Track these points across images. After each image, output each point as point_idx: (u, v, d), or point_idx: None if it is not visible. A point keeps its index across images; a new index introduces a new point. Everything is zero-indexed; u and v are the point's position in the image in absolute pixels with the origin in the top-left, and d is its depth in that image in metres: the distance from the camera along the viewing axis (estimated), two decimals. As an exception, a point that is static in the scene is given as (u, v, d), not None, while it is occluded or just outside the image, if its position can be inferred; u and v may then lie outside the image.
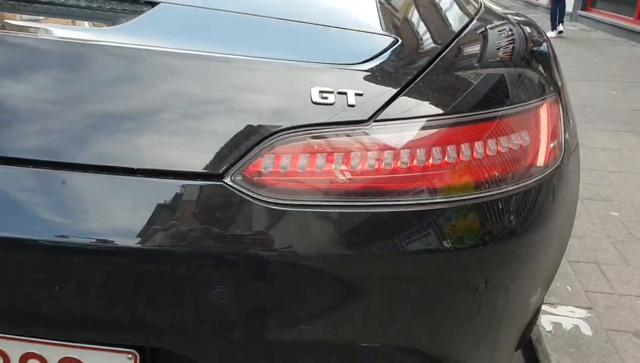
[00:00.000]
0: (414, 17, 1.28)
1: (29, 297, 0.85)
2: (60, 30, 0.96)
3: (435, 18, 1.30)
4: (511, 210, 1.00)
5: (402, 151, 0.91)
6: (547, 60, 1.34)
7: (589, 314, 2.05)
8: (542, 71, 1.27)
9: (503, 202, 0.99)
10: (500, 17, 1.44)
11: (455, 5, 1.41)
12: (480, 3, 1.53)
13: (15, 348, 0.93)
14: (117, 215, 0.81)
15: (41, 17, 1.02)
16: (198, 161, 0.83)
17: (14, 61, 0.87)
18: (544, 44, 1.44)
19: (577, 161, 1.38)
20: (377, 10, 1.23)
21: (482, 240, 0.97)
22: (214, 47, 0.93)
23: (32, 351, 0.93)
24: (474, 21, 1.28)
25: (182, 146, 0.84)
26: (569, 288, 2.23)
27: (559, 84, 1.33)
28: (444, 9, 1.39)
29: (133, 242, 0.81)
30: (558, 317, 2.03)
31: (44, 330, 0.89)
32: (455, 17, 1.33)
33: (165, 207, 0.82)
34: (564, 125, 1.23)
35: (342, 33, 1.05)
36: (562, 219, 1.23)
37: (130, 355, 0.92)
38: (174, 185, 0.83)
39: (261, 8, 1.08)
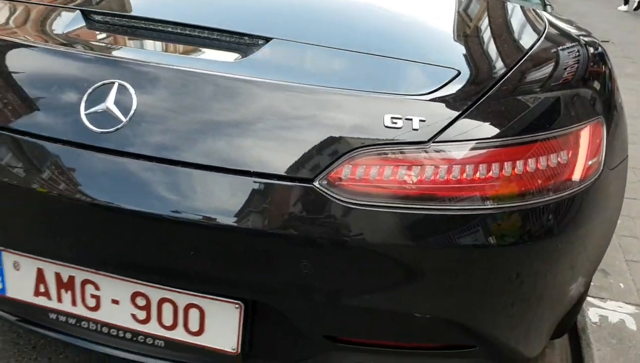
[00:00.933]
0: (475, 46, 1.50)
1: (173, 258, 1.17)
2: (199, 63, 1.26)
3: (495, 46, 1.51)
4: (547, 215, 1.23)
5: (454, 166, 1.16)
6: (601, 82, 1.52)
7: (637, 310, 2.21)
8: (594, 94, 1.46)
9: (540, 209, 1.22)
10: (560, 39, 1.62)
11: (517, 30, 1.61)
12: (545, 24, 1.71)
13: (155, 293, 1.27)
14: (238, 205, 1.12)
15: (181, 47, 1.33)
16: (295, 168, 1.12)
17: (172, 89, 1.18)
18: (602, 65, 1.62)
19: (621, 174, 1.56)
20: (448, 41, 1.46)
21: (521, 239, 1.21)
22: (313, 79, 1.21)
23: (167, 297, 1.27)
24: (533, 48, 1.48)
25: (284, 156, 1.13)
26: (622, 285, 2.38)
27: (611, 104, 1.51)
28: (505, 35, 1.60)
29: (245, 225, 1.12)
30: (606, 310, 2.21)
31: (178, 282, 1.22)
32: (514, 44, 1.54)
33: (270, 200, 1.12)
34: (607, 143, 1.42)
35: (414, 66, 1.30)
36: (600, 222, 1.43)
37: (237, 305, 1.24)
38: (277, 185, 1.12)
39: (351, 42, 1.35)
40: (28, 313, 1.39)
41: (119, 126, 1.16)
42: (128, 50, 1.27)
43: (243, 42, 1.31)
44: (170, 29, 1.36)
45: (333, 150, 1.14)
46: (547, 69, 1.41)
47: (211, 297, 1.24)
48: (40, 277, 1.32)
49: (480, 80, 1.28)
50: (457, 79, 1.26)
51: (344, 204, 1.12)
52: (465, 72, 1.29)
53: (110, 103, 1.17)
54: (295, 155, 1.13)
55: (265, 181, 1.13)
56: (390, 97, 1.19)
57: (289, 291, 1.17)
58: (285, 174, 1.13)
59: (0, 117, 1.22)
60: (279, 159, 1.13)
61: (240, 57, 1.27)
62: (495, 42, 1.53)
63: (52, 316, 1.36)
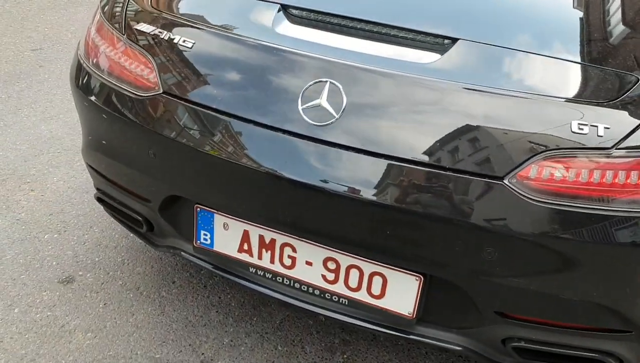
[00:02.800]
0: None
1: (370, 235, 1.37)
2: (397, 64, 1.40)
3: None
4: None
5: (632, 172, 1.26)
6: None
7: None
8: None
9: None
10: None
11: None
12: None
13: (345, 260, 1.48)
14: (432, 196, 1.29)
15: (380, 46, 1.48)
16: (487, 166, 1.27)
17: (376, 89, 1.35)
18: None
19: None
20: (621, 44, 1.52)
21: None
22: (503, 82, 1.34)
23: (355, 264, 1.47)
24: None
25: (477, 155, 1.28)
26: None
27: None
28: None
29: (440, 213, 1.29)
30: None
31: (369, 254, 1.43)
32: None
33: (464, 193, 1.28)
34: None
35: (596, 71, 1.39)
36: None
37: (417, 277, 1.43)
38: (470, 180, 1.28)
39: (533, 43, 1.45)
40: (228, 265, 1.65)
41: (331, 121, 1.35)
42: (335, 50, 1.43)
43: (434, 43, 1.44)
44: (363, 26, 1.51)
45: (522, 151, 1.27)
46: None
47: (395, 268, 1.44)
48: (246, 237, 1.57)
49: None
50: (637, 85, 1.34)
51: (530, 201, 1.26)
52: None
53: (323, 100, 1.36)
54: (487, 154, 1.28)
55: (460, 176, 1.28)
56: (576, 105, 1.29)
57: (473, 272, 1.34)
58: (478, 171, 1.28)
59: (231, 105, 1.43)
60: (472, 157, 1.28)
61: (434, 59, 1.40)
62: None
63: (252, 270, 1.62)
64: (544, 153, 1.27)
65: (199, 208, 1.59)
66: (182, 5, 1.66)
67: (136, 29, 1.60)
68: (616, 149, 1.26)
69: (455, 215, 1.29)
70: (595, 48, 1.50)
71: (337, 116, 1.34)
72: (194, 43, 1.51)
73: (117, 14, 1.69)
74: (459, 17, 1.53)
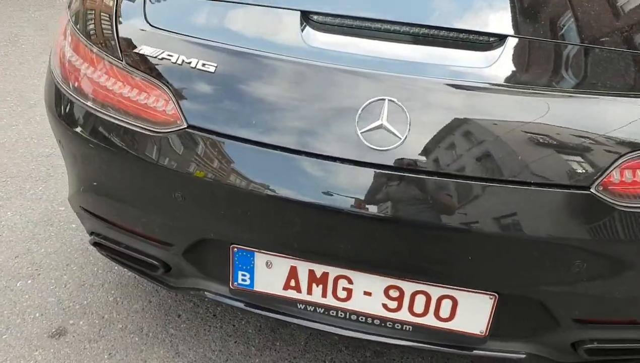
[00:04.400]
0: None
1: (442, 260, 1.27)
2: (449, 71, 1.28)
3: None
4: None
5: None
6: None
7: None
8: None
9: None
10: None
11: None
12: None
13: (409, 287, 1.37)
14: (514, 214, 1.20)
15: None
16: (571, 176, 1.19)
17: (436, 102, 1.23)
18: None
19: None
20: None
21: None
22: (567, 83, 1.26)
23: (421, 289, 1.37)
24: None
25: (558, 166, 1.20)
26: None
27: None
28: None
29: (524, 232, 1.20)
30: None
31: (439, 279, 1.33)
32: None
33: (550, 209, 1.20)
34: None
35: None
36: None
37: (492, 296, 1.35)
38: (557, 194, 1.20)
39: (584, 35, 1.37)
40: (271, 303, 1.50)
41: (397, 143, 1.21)
42: (383, 61, 1.29)
43: (483, 42, 1.33)
44: (396, 28, 1.37)
45: (604, 156, 1.20)
46: None
47: (467, 289, 1.35)
48: (293, 274, 1.42)
49: None
50: None
51: (618, 208, 1.20)
52: None
53: (384, 120, 1.22)
54: (569, 163, 1.20)
55: (545, 190, 1.20)
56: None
57: (557, 285, 1.28)
58: (563, 183, 1.20)
59: (274, 135, 1.27)
60: (554, 168, 1.20)
61: (488, 63, 1.28)
62: None
63: (301, 306, 1.48)
64: (627, 155, 1.20)
65: (235, 249, 1.42)
66: (190, 22, 1.44)
67: (138, 53, 1.37)
68: None
69: (544, 233, 1.21)
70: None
71: (402, 137, 1.21)
72: (216, 66, 1.31)
73: (104, 33, 1.45)
74: (501, 11, 1.42)
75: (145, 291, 2.13)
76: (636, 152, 1.20)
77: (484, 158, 1.21)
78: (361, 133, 1.22)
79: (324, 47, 1.32)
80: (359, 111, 1.23)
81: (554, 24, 1.42)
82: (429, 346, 1.47)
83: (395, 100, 1.23)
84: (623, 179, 1.21)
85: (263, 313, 1.52)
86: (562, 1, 1.45)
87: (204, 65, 1.31)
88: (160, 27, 1.40)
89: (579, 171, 1.20)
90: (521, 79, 1.27)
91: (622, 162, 1.20)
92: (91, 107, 1.42)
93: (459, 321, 1.40)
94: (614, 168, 1.20)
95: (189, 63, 1.33)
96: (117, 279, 2.17)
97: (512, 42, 1.31)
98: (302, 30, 1.34)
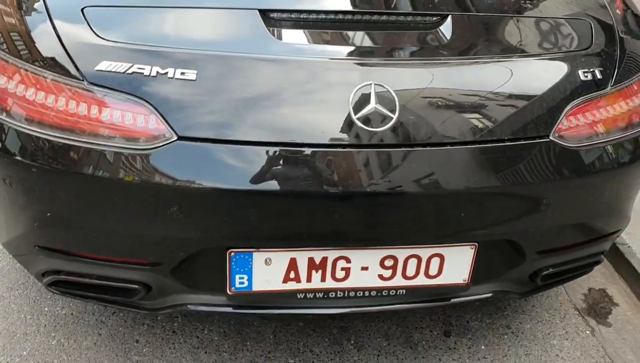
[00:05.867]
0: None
1: (439, 222, 1.41)
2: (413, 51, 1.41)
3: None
4: None
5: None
6: None
7: None
8: None
9: None
10: None
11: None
12: None
13: (403, 253, 1.49)
14: (506, 169, 1.37)
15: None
16: (536, 129, 1.39)
17: (418, 79, 1.35)
18: None
19: None
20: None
21: None
22: (513, 50, 1.45)
23: (414, 253, 1.49)
24: None
25: (527, 122, 1.38)
26: None
27: None
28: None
29: (511, 183, 1.38)
30: None
31: (433, 239, 1.46)
32: None
33: (521, 158, 1.39)
34: None
35: (567, 22, 1.58)
36: None
37: (472, 246, 1.51)
38: (526, 145, 1.38)
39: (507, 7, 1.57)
40: (268, 301, 1.52)
41: (391, 122, 1.31)
42: (355, 49, 1.37)
43: (428, 23, 1.47)
44: (351, 17, 1.46)
45: (555, 108, 1.41)
46: None
47: (453, 244, 1.50)
48: (292, 265, 1.46)
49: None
50: (594, 30, 1.57)
51: (570, 148, 1.42)
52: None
53: (375, 103, 1.31)
54: (530, 119, 1.40)
55: (515, 144, 1.38)
56: (575, 54, 1.47)
57: (531, 225, 1.47)
58: (529, 135, 1.39)
59: (272, 132, 1.29)
60: (520, 124, 1.39)
61: (440, 41, 1.43)
62: None
63: (300, 295, 1.52)
64: (569, 104, 1.43)
65: (233, 253, 1.42)
66: (146, 31, 1.38)
67: (102, 70, 1.30)
68: (612, 86, 1.48)
69: (519, 181, 1.39)
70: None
71: (394, 116, 1.31)
72: (196, 73, 1.29)
73: (49, 52, 1.34)
74: None
75: (89, 325, 1.99)
76: (575, 101, 1.43)
77: (464, 123, 1.36)
78: (357, 118, 1.30)
79: (294, 43, 1.37)
80: (350, 98, 1.30)
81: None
82: (419, 304, 1.60)
83: (380, 83, 1.32)
84: (570, 125, 1.43)
85: (262, 312, 1.53)
86: None
87: (183, 73, 1.29)
88: (117, 40, 1.33)
89: (539, 124, 1.40)
90: (475, 51, 1.43)
91: (568, 110, 1.42)
92: (48, 134, 1.31)
93: (446, 275, 1.55)
94: (563, 116, 1.42)
95: (165, 73, 1.29)
96: (51, 320, 2.00)
97: (455, 20, 1.47)
98: (266, 28, 1.37)
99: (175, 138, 1.27)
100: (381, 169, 1.32)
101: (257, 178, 1.29)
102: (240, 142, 1.28)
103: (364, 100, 1.31)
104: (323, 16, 1.43)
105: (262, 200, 1.31)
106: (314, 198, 1.31)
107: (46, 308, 2.04)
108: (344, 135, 1.30)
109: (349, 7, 1.45)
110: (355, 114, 1.30)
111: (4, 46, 1.37)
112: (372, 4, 1.48)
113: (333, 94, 1.32)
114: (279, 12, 1.41)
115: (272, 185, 1.30)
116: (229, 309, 1.55)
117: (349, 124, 1.30)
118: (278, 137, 1.29)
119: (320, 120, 1.31)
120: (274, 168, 1.29)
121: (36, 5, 1.42)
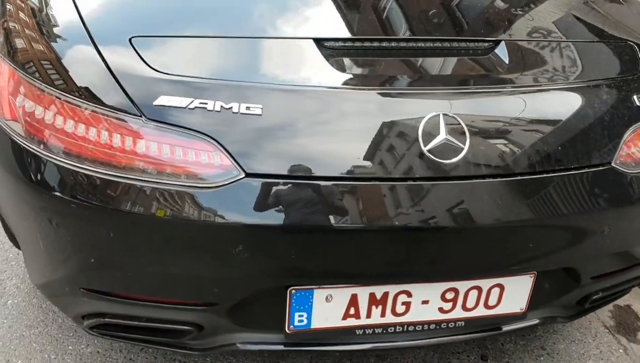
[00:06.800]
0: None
1: (508, 254, 1.38)
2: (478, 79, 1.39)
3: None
4: None
5: None
6: None
7: None
8: None
9: None
10: None
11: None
12: None
13: (464, 286, 1.45)
14: (555, 200, 1.34)
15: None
16: (598, 157, 1.37)
17: (487, 108, 1.32)
18: None
19: None
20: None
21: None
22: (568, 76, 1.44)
23: (475, 285, 1.46)
24: None
25: (592, 150, 1.37)
26: None
27: None
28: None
29: (576, 211, 1.36)
30: None
31: (499, 271, 1.43)
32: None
33: (584, 186, 1.37)
34: None
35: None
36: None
37: (531, 275, 1.49)
38: (590, 173, 1.37)
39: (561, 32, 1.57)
40: (326, 338, 1.48)
41: (462, 153, 1.28)
42: (418, 79, 1.35)
43: (480, 48, 1.45)
44: (405, 45, 1.44)
45: (615, 134, 1.40)
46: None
47: (514, 274, 1.47)
48: (353, 301, 1.41)
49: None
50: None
51: (632, 174, 1.41)
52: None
53: (445, 134, 1.27)
54: (593, 147, 1.38)
55: (580, 172, 1.37)
56: (629, 79, 1.46)
57: (591, 252, 1.46)
58: (592, 163, 1.37)
59: (340, 168, 1.25)
60: (584, 152, 1.37)
61: (499, 67, 1.41)
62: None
63: (359, 332, 1.47)
64: (630, 129, 1.42)
65: (294, 291, 1.37)
66: (202, 63, 1.32)
67: (160, 105, 1.23)
68: None
69: (583, 209, 1.38)
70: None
71: (465, 146, 1.28)
72: (262, 108, 1.24)
73: (99, 85, 1.27)
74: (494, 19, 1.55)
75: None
76: (634, 126, 1.42)
77: (531, 153, 1.34)
78: (427, 150, 1.26)
79: (355, 73, 1.33)
80: (419, 130, 1.26)
81: (529, 25, 1.59)
82: (473, 335, 1.57)
83: (448, 113, 1.28)
84: (629, 151, 1.42)
85: (320, 349, 1.48)
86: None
87: (248, 108, 1.23)
88: (173, 73, 1.27)
89: (601, 151, 1.39)
90: (534, 78, 1.41)
91: (627, 136, 1.41)
92: (102, 172, 1.24)
93: (504, 305, 1.52)
94: (623, 142, 1.41)
95: (230, 108, 1.23)
96: (77, 359, 1.91)
97: (510, 46, 1.45)
98: (327, 59, 1.33)
99: (243, 175, 1.21)
100: (451, 202, 1.29)
101: (327, 214, 1.24)
102: (309, 177, 1.24)
103: (433, 131, 1.27)
104: (377, 44, 1.40)
105: (330, 236, 1.27)
106: (383, 234, 1.28)
107: (70, 347, 1.94)
108: (413, 169, 1.27)
109: (404, 33, 1.42)
110: (425, 145, 1.26)
111: (43, 77, 1.30)
112: (424, 29, 1.45)
113: (400, 126, 1.28)
114: (334, 40, 1.38)
115: (342, 220, 1.25)
116: (281, 347, 1.49)
117: (418, 156, 1.26)
118: (346, 172, 1.25)
119: (389, 153, 1.27)
120: (344, 203, 1.25)
121: (79, 36, 1.34)
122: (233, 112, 1.23)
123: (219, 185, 1.21)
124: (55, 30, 1.41)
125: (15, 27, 1.41)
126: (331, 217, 1.24)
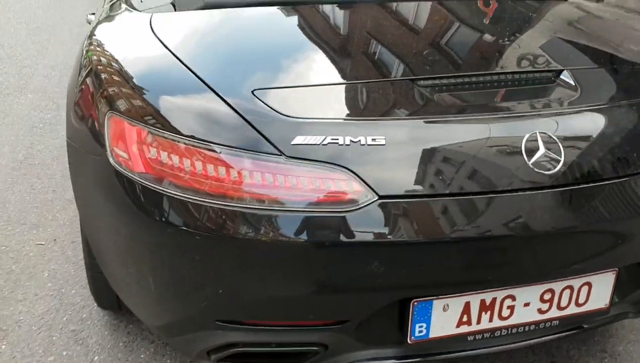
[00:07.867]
0: None
1: (602, 252, 1.55)
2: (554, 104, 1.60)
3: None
4: None
5: None
6: None
7: None
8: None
9: None
10: None
11: None
12: None
13: (559, 285, 1.62)
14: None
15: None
16: None
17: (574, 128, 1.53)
18: None
19: None
20: None
21: None
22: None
23: (568, 284, 1.62)
24: None
25: None
26: None
27: None
28: None
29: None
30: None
31: (592, 268, 1.60)
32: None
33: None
34: None
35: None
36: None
37: (613, 271, 1.66)
38: None
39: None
40: (441, 347, 1.61)
41: (560, 165, 1.47)
42: (519, 104, 1.58)
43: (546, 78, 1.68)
44: (493, 78, 1.66)
45: None
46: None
47: (599, 271, 1.64)
48: (466, 309, 1.56)
49: None
50: None
51: None
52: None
53: (544, 149, 1.47)
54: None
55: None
56: None
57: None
58: None
59: (461, 184, 1.42)
60: None
61: (573, 93, 1.64)
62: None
63: (470, 338, 1.61)
64: None
65: (416, 303, 1.51)
66: (325, 105, 1.51)
67: (297, 144, 1.40)
68: None
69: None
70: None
71: (561, 158, 1.47)
72: (385, 138, 1.42)
73: (237, 132, 1.43)
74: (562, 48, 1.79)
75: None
76: None
77: (617, 159, 1.54)
78: (532, 163, 1.45)
79: (453, 104, 1.54)
80: (522, 147, 1.46)
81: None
82: (561, 334, 1.72)
83: (544, 131, 1.48)
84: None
85: (437, 358, 1.60)
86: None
87: (374, 139, 1.40)
88: (301, 116, 1.44)
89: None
90: (603, 97, 1.63)
91: None
92: (248, 208, 1.39)
93: (592, 302, 1.68)
94: None
95: (358, 141, 1.40)
96: None
97: (581, 74, 1.68)
98: (431, 95, 1.53)
99: (377, 198, 1.37)
100: (553, 208, 1.46)
101: (450, 226, 1.40)
102: (433, 195, 1.40)
103: (533, 147, 1.46)
104: (467, 79, 1.61)
105: (452, 247, 1.42)
106: (497, 241, 1.43)
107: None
108: (520, 180, 1.45)
109: (493, 68, 1.65)
110: (529, 160, 1.45)
111: (172, 125, 1.45)
112: (503, 64, 1.68)
113: (505, 145, 1.47)
114: (427, 79, 1.59)
115: (462, 232, 1.41)
116: (404, 360, 1.60)
117: (524, 170, 1.45)
118: (461, 188, 1.42)
119: (497, 168, 1.45)
120: (462, 216, 1.41)
121: (204, 92, 1.51)
122: (361, 144, 1.40)
123: (356, 208, 1.37)
124: (172, 86, 1.56)
125: (119, 91, 1.59)
126: (453, 229, 1.40)
